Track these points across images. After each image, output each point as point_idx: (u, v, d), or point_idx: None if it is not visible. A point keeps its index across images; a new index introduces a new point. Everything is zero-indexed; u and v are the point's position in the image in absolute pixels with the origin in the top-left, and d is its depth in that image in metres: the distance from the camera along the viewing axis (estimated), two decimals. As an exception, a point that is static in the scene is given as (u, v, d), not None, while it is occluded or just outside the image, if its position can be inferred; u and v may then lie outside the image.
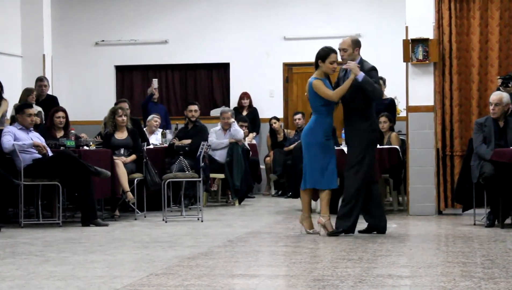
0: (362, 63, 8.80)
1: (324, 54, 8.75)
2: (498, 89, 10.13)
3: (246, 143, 13.82)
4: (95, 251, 7.71)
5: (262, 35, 16.38)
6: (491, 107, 9.70)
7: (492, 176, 9.32)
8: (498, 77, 10.42)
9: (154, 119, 13.78)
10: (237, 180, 12.92)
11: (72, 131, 10.93)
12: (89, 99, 16.74)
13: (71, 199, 10.95)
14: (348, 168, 8.78)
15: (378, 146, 11.37)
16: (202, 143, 10.91)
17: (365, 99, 8.71)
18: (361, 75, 8.59)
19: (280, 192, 15.21)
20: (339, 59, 8.85)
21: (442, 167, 11.10)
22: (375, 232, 8.90)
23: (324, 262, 6.87)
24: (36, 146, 10.06)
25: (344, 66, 8.77)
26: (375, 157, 9.13)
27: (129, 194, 10.79)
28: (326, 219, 8.68)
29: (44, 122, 11.82)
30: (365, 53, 15.69)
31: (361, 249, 7.67)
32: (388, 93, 13.33)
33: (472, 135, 9.98)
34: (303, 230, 8.89)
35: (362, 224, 8.98)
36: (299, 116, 15.06)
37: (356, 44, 8.86)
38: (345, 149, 10.99)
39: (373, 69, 8.79)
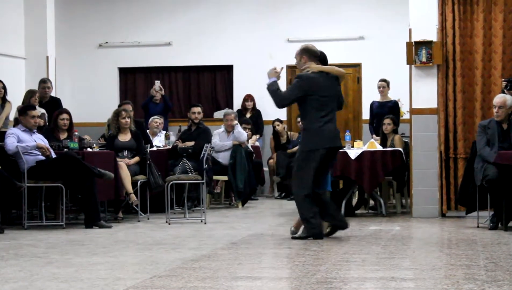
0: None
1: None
2: (502, 92, 10.13)
3: (249, 145, 13.81)
4: (98, 253, 7.70)
5: (266, 37, 16.37)
6: (494, 110, 9.70)
7: (496, 178, 9.30)
8: (503, 79, 10.42)
9: (154, 120, 13.78)
10: (240, 182, 12.91)
11: (76, 133, 10.92)
12: (92, 101, 16.72)
13: (75, 201, 10.98)
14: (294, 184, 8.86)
15: (382, 148, 11.45)
16: (206, 145, 10.91)
17: (303, 108, 8.82)
18: (270, 80, 8.81)
19: (283, 194, 15.19)
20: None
21: (446, 169, 11.08)
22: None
23: (327, 264, 6.86)
24: (39, 148, 10.07)
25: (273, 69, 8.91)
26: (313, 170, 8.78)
27: (133, 196, 10.80)
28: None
29: (47, 124, 11.84)
30: (369, 56, 15.82)
31: (364, 251, 7.68)
32: (391, 95, 13.37)
33: (475, 137, 9.97)
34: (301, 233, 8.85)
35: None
36: None
37: (304, 52, 8.87)
38: (348, 151, 11.10)
39: (296, 77, 8.87)
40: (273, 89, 8.78)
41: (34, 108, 10.75)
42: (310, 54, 8.85)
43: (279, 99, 8.85)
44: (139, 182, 11.02)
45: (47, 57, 14.27)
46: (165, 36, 16.78)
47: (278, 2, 16.43)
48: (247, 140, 13.73)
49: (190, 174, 11.08)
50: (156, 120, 13.84)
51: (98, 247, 8.16)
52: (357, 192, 12.08)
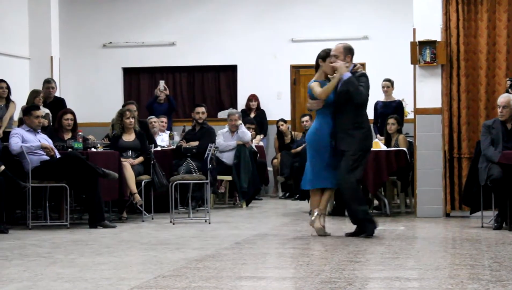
0: (356, 71, 8.84)
1: (325, 54, 8.86)
2: (507, 91, 10.13)
3: (253, 145, 13.79)
4: (103, 253, 7.69)
5: (270, 37, 16.38)
6: (499, 110, 9.70)
7: (500, 178, 9.30)
8: (507, 79, 10.42)
9: (149, 121, 13.64)
10: (245, 182, 12.90)
11: (80, 133, 10.91)
12: (96, 101, 16.75)
13: (79, 201, 10.98)
14: (342, 173, 8.76)
15: (386, 148, 11.45)
16: (210, 145, 10.87)
17: (353, 106, 8.73)
18: (346, 74, 8.62)
19: (287, 194, 15.18)
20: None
21: (450, 169, 11.07)
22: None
23: (331, 264, 6.83)
24: (44, 148, 10.06)
25: (331, 64, 8.74)
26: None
27: (137, 196, 10.78)
28: (321, 213, 8.83)
29: (51, 124, 11.82)
30: (373, 56, 15.84)
31: (368, 251, 7.68)
32: (395, 95, 13.37)
33: (479, 137, 9.96)
34: (313, 232, 8.87)
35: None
36: (306, 118, 15.03)
37: (348, 51, 8.83)
38: None
39: (363, 75, 8.80)
40: (355, 85, 8.64)
41: (38, 108, 10.74)
42: (352, 54, 8.87)
43: (365, 96, 8.76)
44: (143, 182, 11.02)
45: (51, 57, 14.28)
46: (169, 36, 16.81)
47: (282, 2, 16.44)
48: (251, 140, 13.71)
49: (194, 174, 11.14)
50: (152, 120, 13.74)
51: (102, 247, 8.15)
52: (361, 192, 12.03)
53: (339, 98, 8.71)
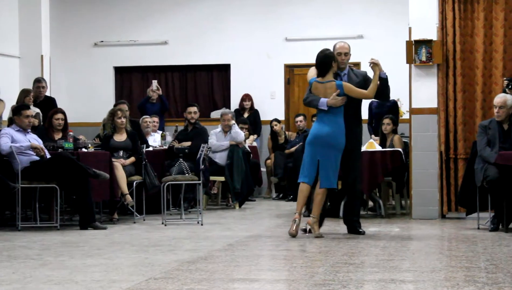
0: (352, 68, 9.24)
1: (333, 54, 9.06)
2: (504, 91, 10.12)
3: (246, 146, 13.77)
4: (93, 254, 7.69)
5: (263, 36, 16.36)
6: (495, 110, 9.69)
7: (496, 179, 9.30)
8: (505, 78, 10.42)
9: (144, 120, 13.71)
10: (238, 183, 12.90)
11: (71, 133, 10.88)
12: (87, 100, 16.72)
13: (69, 202, 10.98)
14: (357, 173, 9.12)
15: (381, 148, 11.44)
16: (202, 145, 10.84)
17: (358, 102, 9.16)
18: (384, 72, 9.05)
19: (281, 195, 15.18)
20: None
21: (446, 170, 11.07)
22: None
23: (325, 266, 6.84)
24: (34, 148, 10.02)
25: (370, 61, 9.09)
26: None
27: (128, 197, 10.77)
28: (316, 220, 8.87)
29: (42, 123, 11.81)
30: (368, 54, 15.78)
31: (363, 253, 7.68)
32: (391, 95, 13.09)
33: (476, 137, 9.96)
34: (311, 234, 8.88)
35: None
36: (300, 118, 15.03)
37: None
38: None
39: (367, 75, 9.21)
40: (387, 82, 9.14)
41: (29, 108, 10.71)
42: None
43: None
44: (134, 183, 11.01)
45: (42, 56, 14.22)
46: (162, 35, 16.79)
47: (276, 1, 16.43)
48: (245, 140, 13.69)
49: (187, 174, 11.10)
50: (146, 120, 13.79)
51: (93, 248, 8.14)
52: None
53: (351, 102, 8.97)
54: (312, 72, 9.10)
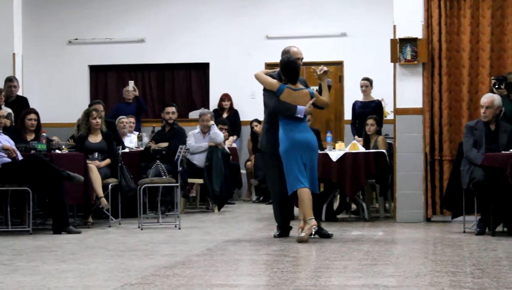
0: None
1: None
2: (491, 91, 10.08)
3: (226, 147, 13.72)
4: (67, 260, 7.65)
5: (243, 34, 16.34)
6: (482, 110, 9.70)
7: (483, 181, 9.27)
8: (492, 77, 10.38)
9: (120, 120, 13.66)
10: (217, 186, 12.81)
11: (44, 134, 10.80)
12: (61, 100, 16.65)
13: (42, 206, 10.86)
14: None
15: (364, 149, 11.39)
16: (180, 146, 10.83)
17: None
18: (329, 79, 9.33)
19: (261, 198, 15.10)
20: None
21: (431, 172, 11.04)
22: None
23: (307, 271, 6.89)
24: (5, 150, 9.97)
25: (325, 68, 9.22)
26: None
27: (103, 200, 10.70)
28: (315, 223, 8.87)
29: (14, 124, 11.72)
30: (351, 53, 15.93)
31: (345, 257, 7.64)
32: (375, 95, 13.39)
33: (462, 139, 9.93)
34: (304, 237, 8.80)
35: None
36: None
37: None
38: (330, 153, 10.95)
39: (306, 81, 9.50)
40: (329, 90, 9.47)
41: (0, 108, 10.71)
42: None
43: None
44: (110, 185, 10.96)
45: (14, 54, 14.05)
46: (138, 33, 16.76)
47: (256, -3, 16.53)
48: (224, 141, 13.65)
49: (164, 177, 11.07)
50: (123, 120, 13.73)
51: (67, 253, 8.09)
52: (338, 196, 12.06)
53: None
54: (268, 78, 9.25)
